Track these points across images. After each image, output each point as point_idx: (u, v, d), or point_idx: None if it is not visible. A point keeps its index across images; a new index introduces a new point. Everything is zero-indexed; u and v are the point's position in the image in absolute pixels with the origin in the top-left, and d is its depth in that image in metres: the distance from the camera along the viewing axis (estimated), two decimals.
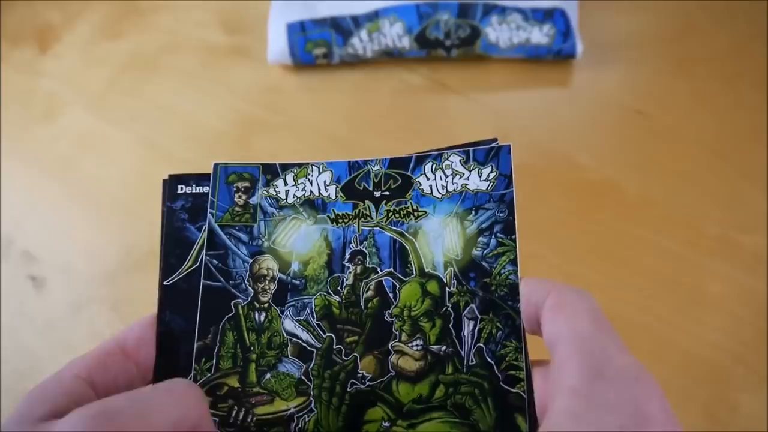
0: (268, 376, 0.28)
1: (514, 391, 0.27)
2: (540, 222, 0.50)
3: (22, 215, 0.55)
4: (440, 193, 0.29)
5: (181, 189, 0.31)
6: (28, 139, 0.59)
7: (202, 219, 0.30)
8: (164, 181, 0.31)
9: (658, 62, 0.58)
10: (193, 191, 0.31)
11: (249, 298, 0.29)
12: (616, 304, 0.47)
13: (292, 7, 0.59)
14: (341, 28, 0.57)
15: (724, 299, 0.47)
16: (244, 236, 0.30)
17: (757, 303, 0.47)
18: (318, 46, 0.58)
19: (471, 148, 0.30)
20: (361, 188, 0.30)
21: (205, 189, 0.31)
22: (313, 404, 0.27)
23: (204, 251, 0.30)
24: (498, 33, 0.57)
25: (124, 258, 0.52)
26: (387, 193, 0.30)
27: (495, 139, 0.30)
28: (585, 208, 0.51)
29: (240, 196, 0.30)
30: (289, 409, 0.27)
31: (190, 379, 0.28)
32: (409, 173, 0.30)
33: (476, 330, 0.27)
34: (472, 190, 0.29)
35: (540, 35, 0.56)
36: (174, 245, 0.30)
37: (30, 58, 0.64)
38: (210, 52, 0.62)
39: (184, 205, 0.30)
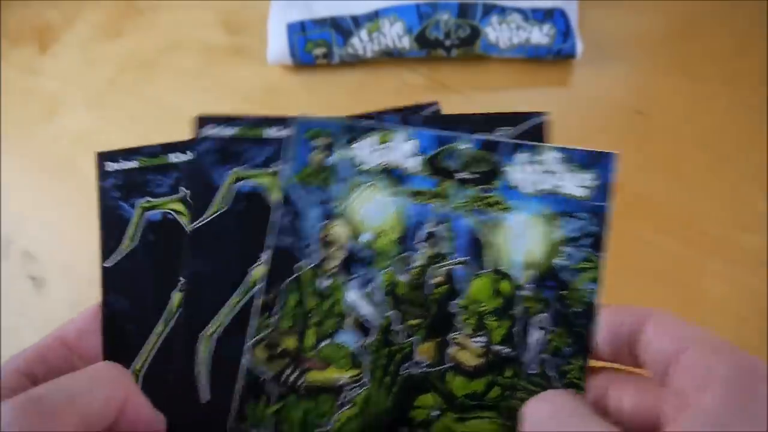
0: (325, 343, 0.27)
1: None
2: None
3: (22, 215, 0.55)
4: (530, 189, 0.27)
5: (110, 166, 0.30)
6: (28, 138, 0.59)
7: (135, 195, 0.29)
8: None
9: (658, 62, 0.58)
10: (123, 167, 0.30)
11: (316, 263, 0.28)
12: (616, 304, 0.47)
13: (292, 7, 0.59)
14: (341, 28, 0.57)
15: (725, 299, 0.47)
16: (318, 197, 0.28)
17: (758, 303, 0.47)
18: (318, 46, 0.58)
19: (573, 147, 0.28)
20: (446, 166, 0.28)
21: (135, 164, 0.29)
22: (365, 379, 0.27)
23: (278, 211, 0.28)
24: (498, 33, 0.57)
25: None
26: (473, 176, 0.28)
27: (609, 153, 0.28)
28: None
29: (317, 154, 0.29)
30: (341, 380, 0.27)
31: (252, 333, 0.27)
32: (499, 160, 0.28)
33: (543, 340, 0.26)
34: (566, 195, 0.27)
35: (540, 35, 0.56)
36: (110, 225, 0.29)
37: (30, 58, 0.64)
38: (210, 52, 0.62)
39: (116, 182, 0.29)
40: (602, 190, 0.27)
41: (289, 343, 0.27)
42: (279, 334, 0.27)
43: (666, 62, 0.58)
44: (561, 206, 0.27)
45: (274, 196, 0.29)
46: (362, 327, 0.27)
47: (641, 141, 0.54)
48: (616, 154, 0.27)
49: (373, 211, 0.28)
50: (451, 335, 0.27)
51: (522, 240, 0.27)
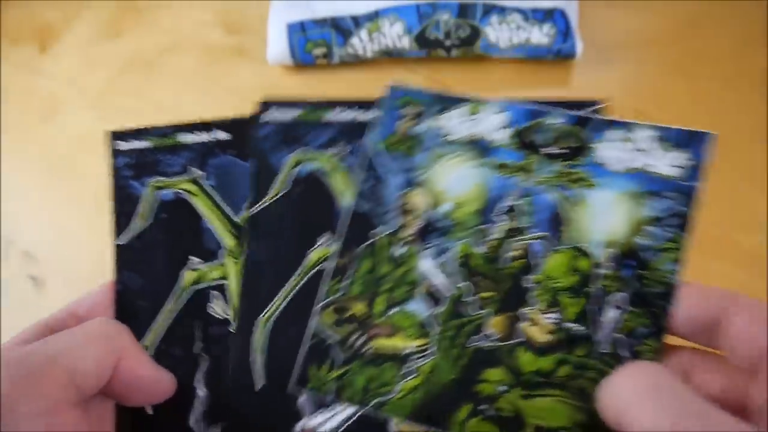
0: (395, 310, 0.27)
1: None
2: None
3: (22, 215, 0.55)
4: (618, 167, 0.27)
5: (122, 145, 0.30)
6: (28, 139, 0.59)
7: (147, 174, 0.29)
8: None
9: (658, 62, 0.58)
10: (134, 147, 0.30)
11: (393, 229, 0.28)
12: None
13: (292, 7, 0.59)
14: (341, 28, 0.57)
15: None
16: (401, 165, 0.28)
17: None
18: (318, 46, 0.58)
19: (668, 126, 0.27)
20: (534, 140, 0.28)
21: (146, 144, 0.29)
22: (433, 349, 0.26)
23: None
24: (498, 33, 0.57)
25: None
26: (561, 151, 0.27)
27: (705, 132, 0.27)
28: None
29: (406, 122, 0.29)
30: (408, 348, 0.26)
31: (322, 297, 0.27)
32: (590, 135, 0.27)
33: (618, 320, 0.26)
34: (656, 173, 0.27)
35: (540, 35, 0.56)
36: (122, 204, 0.29)
37: (30, 58, 0.64)
38: (210, 52, 0.62)
39: (128, 162, 0.30)
40: (695, 170, 0.27)
41: (359, 308, 0.27)
42: (349, 299, 0.27)
43: (666, 62, 0.58)
44: (649, 185, 0.27)
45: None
46: (433, 297, 0.27)
47: None
48: (713, 135, 0.27)
49: (455, 182, 0.28)
50: (524, 310, 0.26)
51: (605, 217, 0.27)
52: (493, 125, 0.28)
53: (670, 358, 0.26)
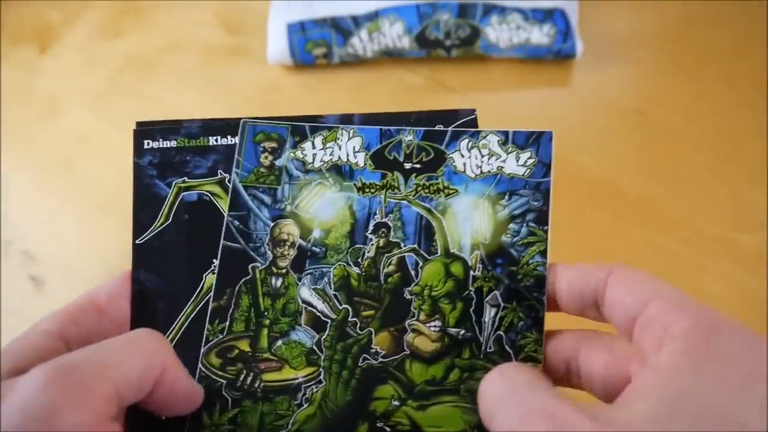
0: (279, 342, 0.27)
1: None
2: None
3: (22, 215, 0.55)
4: (474, 172, 0.28)
5: (148, 144, 0.30)
6: (28, 139, 0.59)
7: (172, 174, 0.29)
8: (134, 132, 0.30)
9: (658, 62, 0.58)
10: (161, 146, 0.30)
11: (267, 263, 0.28)
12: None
13: (292, 7, 0.59)
14: (341, 28, 0.57)
15: (724, 299, 0.47)
16: (267, 198, 0.29)
17: (757, 303, 0.47)
18: (318, 46, 0.58)
19: (511, 130, 0.29)
20: (392, 158, 0.29)
21: (173, 143, 0.29)
22: (322, 375, 0.27)
23: (227, 212, 0.29)
24: (498, 33, 0.57)
25: (124, 258, 0.52)
26: (418, 165, 0.29)
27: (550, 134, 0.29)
28: (585, 208, 0.51)
29: (266, 157, 0.29)
30: (297, 378, 0.27)
31: (203, 342, 0.27)
32: (443, 148, 0.29)
33: (497, 317, 0.27)
34: (508, 174, 0.28)
35: (540, 35, 0.56)
36: (144, 202, 0.29)
37: (30, 58, 0.64)
38: (210, 52, 0.62)
39: (152, 160, 0.29)
40: (541, 167, 0.29)
41: (243, 346, 0.27)
42: (232, 339, 0.27)
43: (666, 62, 0.58)
44: (504, 186, 0.28)
45: (222, 202, 0.29)
46: (317, 323, 0.27)
47: (641, 141, 0.54)
48: (551, 132, 0.29)
49: (322, 208, 0.29)
50: (407, 322, 0.27)
51: (470, 222, 0.28)
52: (350, 150, 0.29)
53: (555, 343, 0.27)
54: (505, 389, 0.22)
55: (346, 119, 0.30)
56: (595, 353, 0.25)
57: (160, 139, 0.30)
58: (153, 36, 0.64)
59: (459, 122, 0.30)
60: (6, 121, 0.60)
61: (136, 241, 0.29)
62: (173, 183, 0.29)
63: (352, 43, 0.57)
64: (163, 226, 0.29)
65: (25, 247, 0.54)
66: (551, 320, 0.27)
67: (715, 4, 0.61)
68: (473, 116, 0.30)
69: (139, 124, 0.30)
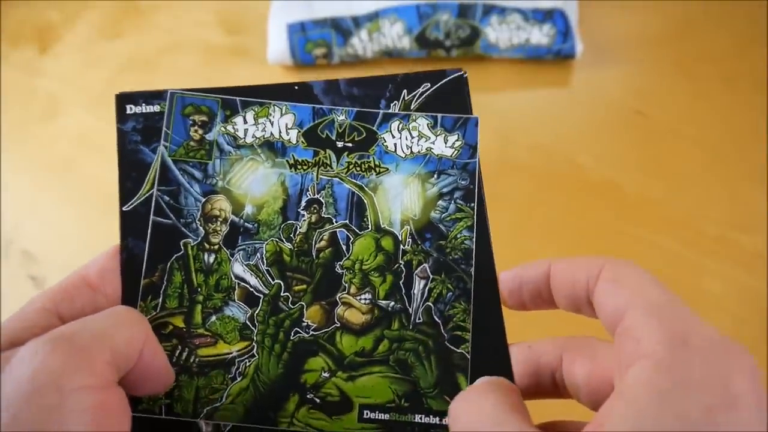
0: (213, 318, 0.27)
1: (459, 350, 0.27)
2: (540, 222, 0.50)
3: (22, 215, 0.55)
4: (404, 152, 0.29)
5: (131, 109, 0.29)
6: (28, 139, 0.59)
7: (156, 140, 0.29)
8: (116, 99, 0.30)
9: (658, 62, 0.58)
10: (144, 111, 0.29)
11: (199, 239, 0.28)
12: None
13: (292, 7, 0.59)
14: (341, 28, 0.57)
15: (724, 299, 0.47)
16: (197, 173, 0.29)
17: (757, 303, 0.47)
18: (318, 47, 0.58)
19: (440, 115, 0.30)
20: (324, 136, 0.29)
21: (156, 108, 0.29)
22: (255, 349, 0.27)
23: (155, 186, 0.28)
24: (498, 33, 0.57)
25: None
26: (350, 144, 0.29)
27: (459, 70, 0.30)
28: (585, 208, 0.51)
29: (196, 131, 0.29)
30: (231, 353, 0.27)
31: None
32: (374, 128, 0.29)
33: (426, 289, 0.28)
34: (437, 155, 0.29)
35: (540, 35, 0.56)
36: (129, 169, 0.29)
37: (30, 58, 0.64)
38: (210, 52, 0.62)
39: (135, 126, 0.29)
40: (467, 149, 0.29)
41: (177, 322, 0.27)
42: (166, 315, 0.27)
43: (666, 62, 0.58)
44: (433, 165, 0.29)
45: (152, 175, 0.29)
46: (250, 298, 0.28)
47: (641, 141, 0.54)
48: (477, 118, 0.30)
49: (254, 184, 0.29)
50: (338, 295, 0.28)
51: (400, 198, 0.29)
52: (282, 126, 0.30)
53: (537, 352, 0.26)
54: (470, 422, 0.22)
55: (332, 85, 0.30)
56: (578, 361, 0.25)
57: (143, 104, 0.30)
58: (153, 36, 0.64)
59: (445, 80, 0.30)
60: (6, 121, 0.60)
61: (123, 209, 0.28)
62: (157, 149, 0.29)
63: (352, 44, 0.57)
64: (150, 192, 0.29)
65: (25, 247, 0.54)
66: (546, 324, 0.27)
67: (715, 4, 0.61)
68: (460, 73, 0.30)
69: (119, 95, 0.30)
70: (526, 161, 0.52)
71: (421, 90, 0.30)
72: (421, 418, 0.26)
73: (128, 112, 0.30)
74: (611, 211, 0.51)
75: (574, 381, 0.25)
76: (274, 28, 0.59)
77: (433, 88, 0.30)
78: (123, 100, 0.30)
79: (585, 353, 0.25)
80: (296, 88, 0.30)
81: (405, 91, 0.30)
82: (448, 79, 0.30)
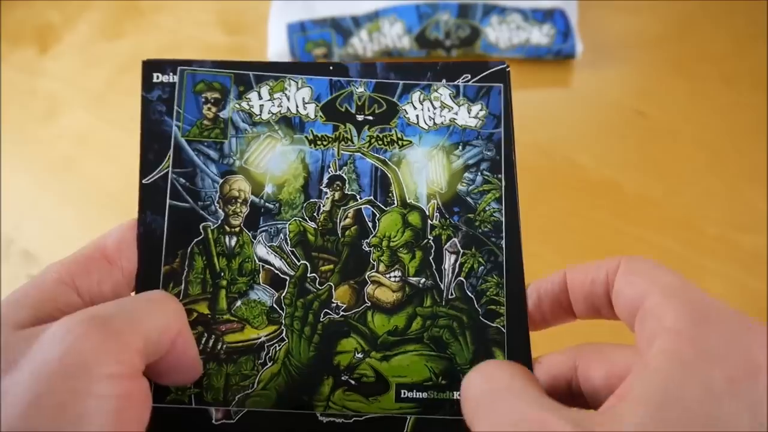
0: (238, 303, 0.27)
1: (494, 325, 0.26)
2: (540, 222, 0.50)
3: (22, 215, 0.55)
4: (427, 124, 0.28)
5: (157, 77, 0.28)
6: (28, 139, 0.59)
7: None
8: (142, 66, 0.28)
9: (658, 62, 0.58)
10: (171, 80, 0.28)
11: (219, 221, 0.27)
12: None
13: (292, 7, 0.59)
14: (341, 28, 0.57)
15: (724, 299, 0.47)
16: (213, 153, 0.28)
17: (757, 303, 0.47)
18: (318, 46, 0.58)
19: (462, 84, 0.29)
20: (343, 110, 0.28)
21: None
22: (284, 333, 0.26)
23: (170, 169, 0.27)
24: (498, 33, 0.57)
25: None
26: (371, 117, 0.28)
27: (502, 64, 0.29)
28: (585, 207, 0.51)
29: (209, 108, 0.28)
30: (260, 338, 0.26)
31: None
32: (395, 99, 0.28)
33: (457, 264, 0.27)
34: (461, 126, 0.28)
35: (540, 35, 0.56)
36: (152, 140, 0.28)
37: (30, 58, 0.64)
38: (210, 52, 0.62)
39: (161, 95, 0.28)
40: (492, 119, 0.29)
41: (201, 308, 0.26)
42: (189, 302, 0.26)
43: (666, 62, 0.58)
44: (457, 137, 0.28)
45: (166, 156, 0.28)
46: (276, 281, 0.27)
47: (641, 141, 0.54)
48: (501, 86, 0.30)
49: (273, 162, 0.28)
50: (367, 274, 0.27)
51: (425, 172, 0.28)
52: (299, 101, 0.28)
53: (547, 365, 0.26)
54: (483, 391, 0.22)
55: (369, 68, 0.29)
56: (593, 366, 0.25)
57: (170, 73, 0.29)
58: (153, 36, 0.64)
59: (487, 72, 0.29)
60: (6, 121, 0.60)
61: (143, 181, 0.27)
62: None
63: (352, 44, 0.57)
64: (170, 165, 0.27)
65: (25, 247, 0.54)
66: (549, 339, 0.27)
67: (714, 4, 0.61)
68: (503, 66, 0.29)
69: (146, 61, 0.29)
70: (526, 161, 0.52)
71: (460, 81, 0.29)
72: (459, 395, 0.26)
73: (155, 80, 0.28)
74: (611, 210, 0.51)
75: (591, 385, 0.24)
76: (274, 28, 0.59)
77: (474, 79, 0.29)
78: (150, 67, 0.28)
79: (599, 357, 0.25)
80: (331, 68, 0.28)
81: (444, 80, 0.29)
82: (491, 71, 0.29)
